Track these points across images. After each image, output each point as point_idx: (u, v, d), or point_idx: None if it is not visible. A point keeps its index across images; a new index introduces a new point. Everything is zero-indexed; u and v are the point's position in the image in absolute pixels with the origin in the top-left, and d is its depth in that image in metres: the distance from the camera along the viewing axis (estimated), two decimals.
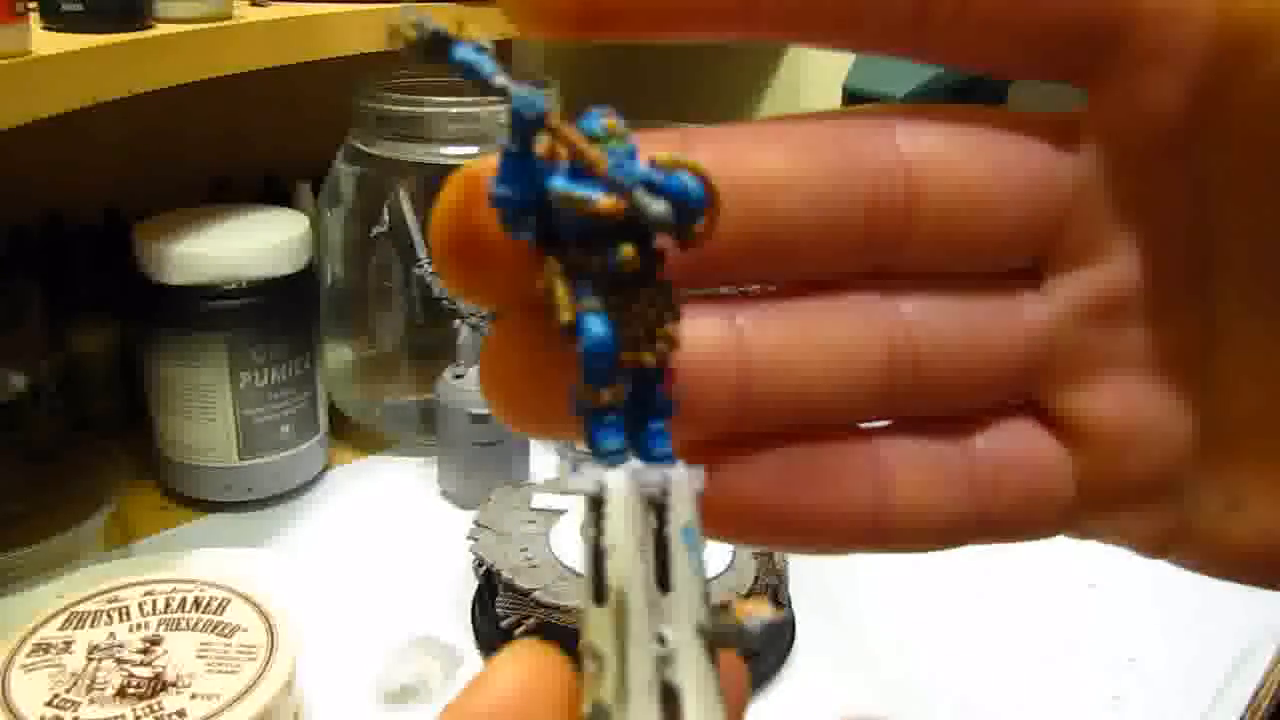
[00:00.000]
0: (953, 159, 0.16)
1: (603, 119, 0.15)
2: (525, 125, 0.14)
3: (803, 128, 0.16)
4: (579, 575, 0.54)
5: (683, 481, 0.15)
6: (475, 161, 0.15)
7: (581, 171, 0.14)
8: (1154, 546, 0.18)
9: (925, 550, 0.18)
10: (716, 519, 0.16)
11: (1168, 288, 0.17)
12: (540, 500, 0.61)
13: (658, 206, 0.14)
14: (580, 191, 0.14)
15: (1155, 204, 0.16)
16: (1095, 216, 0.17)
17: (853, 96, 0.86)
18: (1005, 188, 0.16)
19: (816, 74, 0.99)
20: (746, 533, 0.17)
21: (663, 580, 0.15)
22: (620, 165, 0.14)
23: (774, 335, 0.16)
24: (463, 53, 0.15)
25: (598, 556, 0.15)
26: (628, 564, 0.15)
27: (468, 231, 0.15)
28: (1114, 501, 0.18)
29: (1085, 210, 0.17)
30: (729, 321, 0.16)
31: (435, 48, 0.15)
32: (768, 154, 0.16)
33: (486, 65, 0.15)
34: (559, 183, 0.14)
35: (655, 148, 0.15)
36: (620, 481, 0.15)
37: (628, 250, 0.15)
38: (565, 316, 0.15)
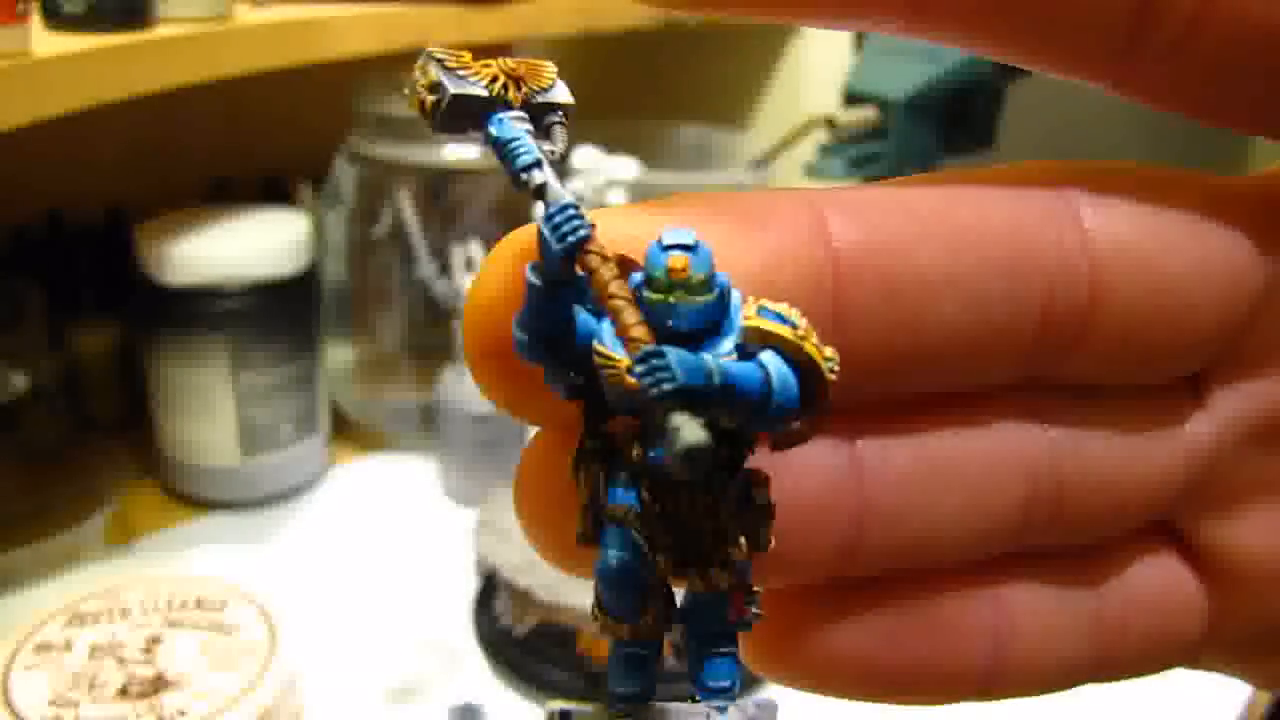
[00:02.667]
0: (1146, 249, 0.13)
1: (668, 254, 0.11)
2: (556, 253, 0.11)
3: (966, 204, 0.13)
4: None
5: None
6: (520, 235, 0.12)
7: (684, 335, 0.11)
8: (1278, 684, 0.16)
9: (1030, 696, 0.15)
10: (808, 676, 0.14)
11: None
12: None
13: (690, 438, 0.10)
14: (620, 354, 0.11)
15: None
16: None
17: (853, 96, 0.86)
18: (1203, 289, 0.13)
19: (817, 74, 0.99)
20: (840, 690, 0.14)
21: None
22: (656, 357, 0.10)
23: (898, 469, 0.13)
24: (498, 128, 0.11)
25: None
26: None
27: (503, 336, 0.11)
28: (1248, 644, 0.15)
29: (1274, 313, 0.14)
30: (846, 451, 0.13)
31: (458, 114, 0.11)
32: (927, 244, 0.12)
33: (523, 150, 0.11)
34: (603, 337, 0.11)
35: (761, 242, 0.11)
36: None
37: (637, 450, 0.11)
38: (579, 524, 0.12)
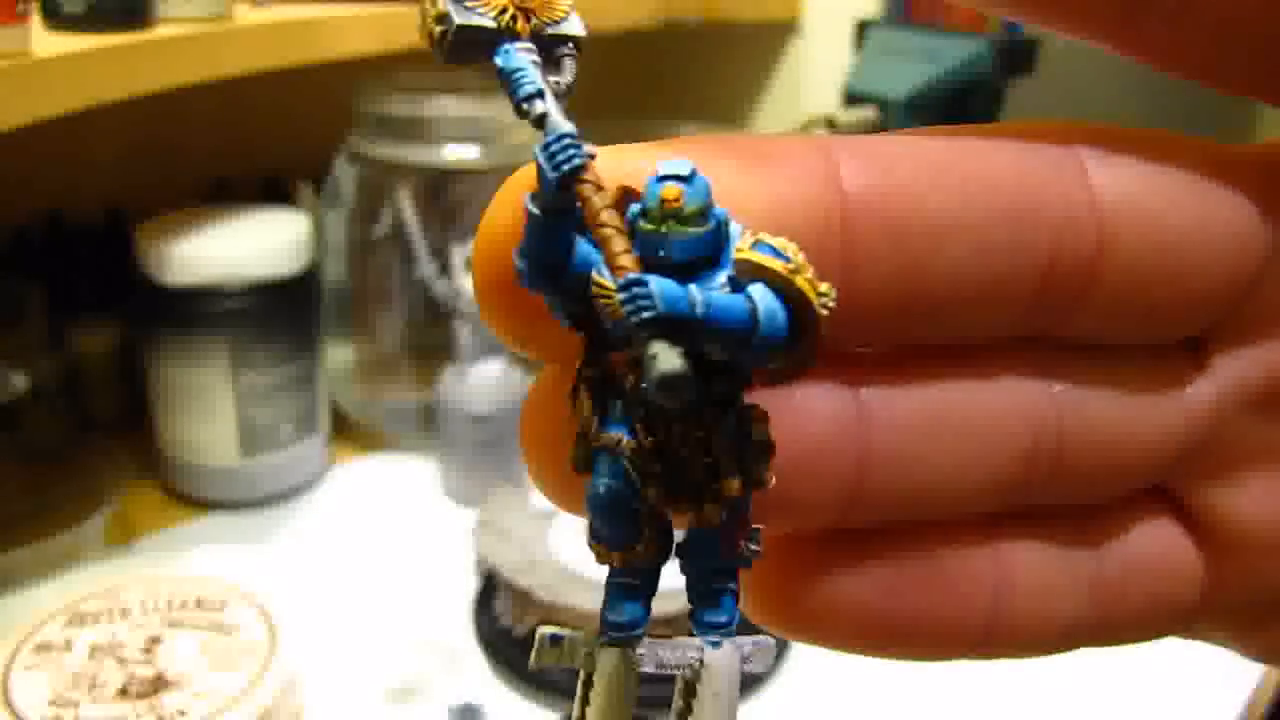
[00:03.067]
0: (1151, 206, 0.13)
1: (664, 185, 0.11)
2: (550, 181, 0.11)
3: (976, 154, 0.13)
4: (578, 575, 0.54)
5: (720, 668, 0.12)
6: (529, 169, 0.12)
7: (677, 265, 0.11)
8: (1271, 656, 0.16)
9: (1029, 658, 0.15)
10: (806, 625, 0.14)
11: None
12: (540, 500, 0.61)
13: (667, 366, 0.10)
14: (612, 284, 0.11)
15: None
16: None
17: (853, 96, 0.86)
18: (1207, 249, 0.13)
19: (817, 74, 0.99)
20: (838, 641, 0.14)
21: None
22: (638, 285, 0.10)
23: (903, 417, 0.13)
24: (504, 58, 0.11)
25: None
26: None
27: (509, 268, 0.12)
28: (1243, 612, 0.15)
29: (1276, 278, 0.14)
30: (851, 395, 0.13)
31: (465, 45, 0.11)
32: (935, 190, 0.13)
33: (526, 81, 0.11)
34: (601, 267, 0.11)
35: (782, 163, 0.11)
36: (613, 664, 0.12)
37: (632, 380, 0.11)
38: (573, 450, 0.12)
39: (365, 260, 0.74)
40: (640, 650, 0.12)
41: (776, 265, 0.11)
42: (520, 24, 0.11)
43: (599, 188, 0.11)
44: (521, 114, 0.11)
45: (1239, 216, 0.14)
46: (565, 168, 0.11)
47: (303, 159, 0.81)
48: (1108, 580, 0.15)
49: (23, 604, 0.55)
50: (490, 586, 0.58)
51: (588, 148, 0.11)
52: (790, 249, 0.11)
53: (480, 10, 0.11)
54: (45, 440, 0.68)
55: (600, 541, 0.12)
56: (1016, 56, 0.86)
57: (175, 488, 0.69)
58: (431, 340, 0.73)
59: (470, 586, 0.60)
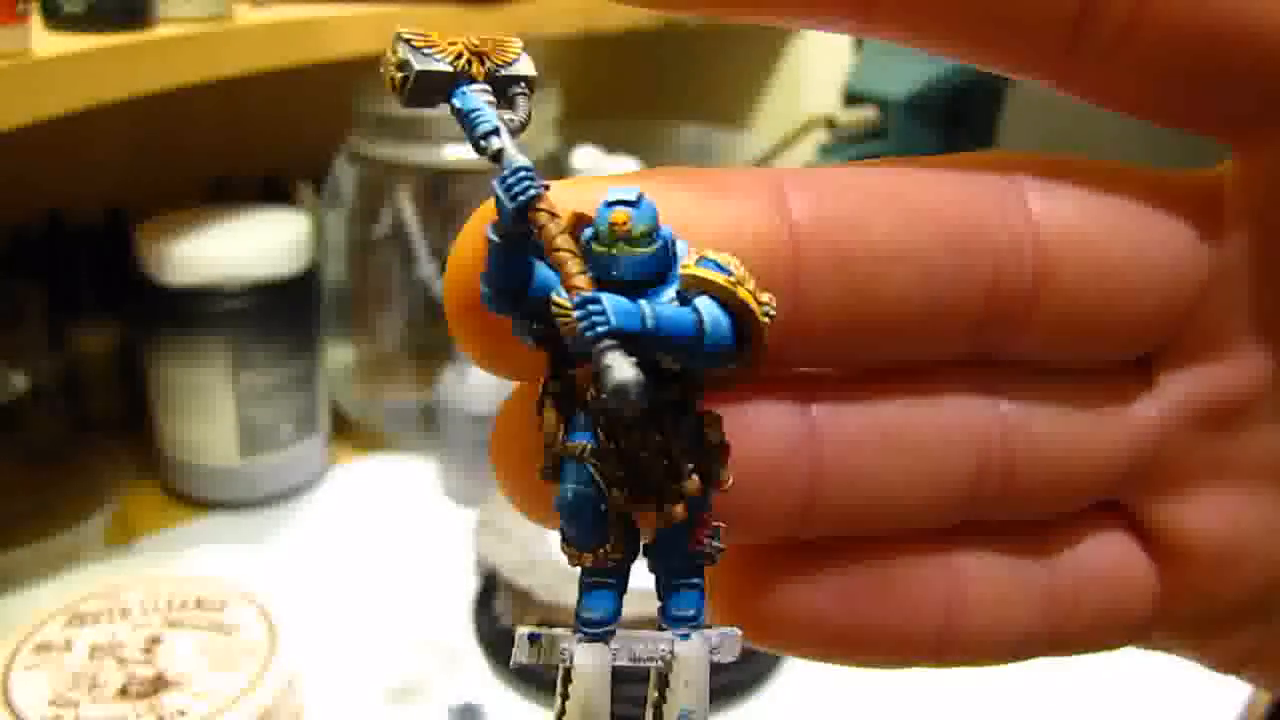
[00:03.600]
0: (1090, 234, 0.14)
1: (613, 210, 0.12)
2: (507, 211, 0.12)
3: (919, 184, 0.14)
4: None
5: (690, 658, 0.13)
6: (487, 206, 0.12)
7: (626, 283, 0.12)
8: (1229, 666, 0.16)
9: (984, 665, 0.16)
10: (766, 632, 0.14)
11: None
12: None
13: (621, 375, 0.11)
14: (569, 303, 0.11)
15: None
16: (1228, 308, 0.14)
17: (853, 96, 0.86)
18: (1145, 274, 0.14)
19: (817, 74, 0.99)
20: (797, 647, 0.15)
21: None
22: (592, 303, 0.11)
23: (852, 434, 0.14)
24: (460, 100, 0.12)
25: None
26: None
27: (476, 292, 0.12)
28: (1198, 623, 0.16)
29: (1218, 300, 0.14)
30: (802, 412, 0.14)
31: (425, 90, 0.12)
32: (880, 219, 0.13)
33: (482, 119, 0.12)
34: (544, 278, 0.12)
35: (724, 201, 0.12)
36: (589, 658, 0.13)
37: (594, 390, 0.12)
38: (541, 461, 0.13)
39: (365, 260, 0.74)
40: (614, 645, 0.13)
41: (719, 279, 0.12)
42: (475, 67, 0.13)
43: (553, 215, 0.12)
44: (479, 150, 0.12)
45: (1177, 243, 0.14)
46: (521, 198, 0.11)
47: (303, 159, 0.81)
48: (1060, 592, 0.15)
49: (23, 604, 0.55)
50: (490, 586, 0.58)
51: (541, 180, 0.12)
52: (733, 263, 0.12)
53: (438, 56, 0.12)
54: (45, 440, 0.68)
55: (571, 544, 0.13)
56: None
57: (175, 488, 0.69)
58: (431, 340, 0.73)
59: (470, 586, 0.60)
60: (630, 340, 0.11)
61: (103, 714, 0.42)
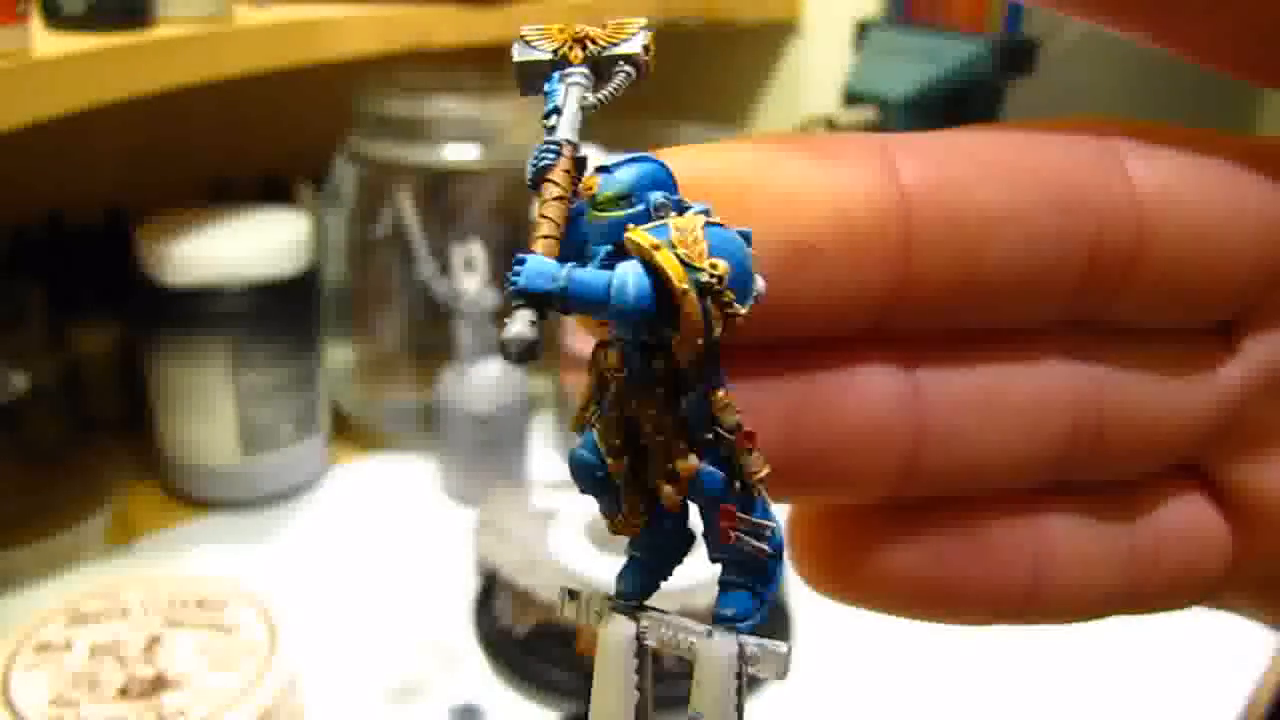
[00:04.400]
0: (1188, 198, 0.14)
1: (607, 175, 0.12)
2: (531, 182, 0.13)
3: (1022, 148, 0.14)
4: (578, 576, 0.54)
5: (711, 660, 0.13)
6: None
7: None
8: None
9: (1067, 623, 0.16)
10: (863, 592, 0.15)
11: None
12: (540, 500, 0.61)
13: (510, 330, 0.11)
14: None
15: None
16: None
17: (853, 96, 0.86)
18: (1242, 236, 0.14)
19: (817, 74, 0.99)
20: (892, 607, 0.15)
21: None
22: (516, 263, 0.12)
23: (955, 396, 0.14)
24: (548, 84, 0.13)
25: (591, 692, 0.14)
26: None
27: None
28: (1267, 583, 0.16)
29: None
30: (906, 375, 0.14)
31: (529, 77, 0.13)
32: (987, 182, 0.14)
33: (549, 102, 0.13)
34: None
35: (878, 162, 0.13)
36: (614, 627, 0.13)
37: (610, 357, 0.12)
38: (574, 416, 0.13)
39: (365, 260, 0.74)
40: (645, 623, 0.13)
41: (643, 241, 0.12)
42: (574, 52, 0.13)
43: (557, 184, 0.12)
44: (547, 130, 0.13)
45: (1271, 207, 0.14)
46: (534, 170, 0.12)
47: (303, 159, 0.81)
48: (1140, 552, 0.16)
49: (23, 604, 0.56)
50: (490, 586, 0.58)
51: (571, 151, 0.12)
52: (681, 231, 0.12)
53: (541, 46, 0.13)
54: (45, 440, 0.68)
55: (599, 509, 0.13)
56: (1016, 56, 0.86)
57: (175, 488, 0.69)
58: (431, 340, 0.73)
59: (470, 586, 0.60)
60: (540, 300, 0.12)
61: (103, 714, 0.42)
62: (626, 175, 0.12)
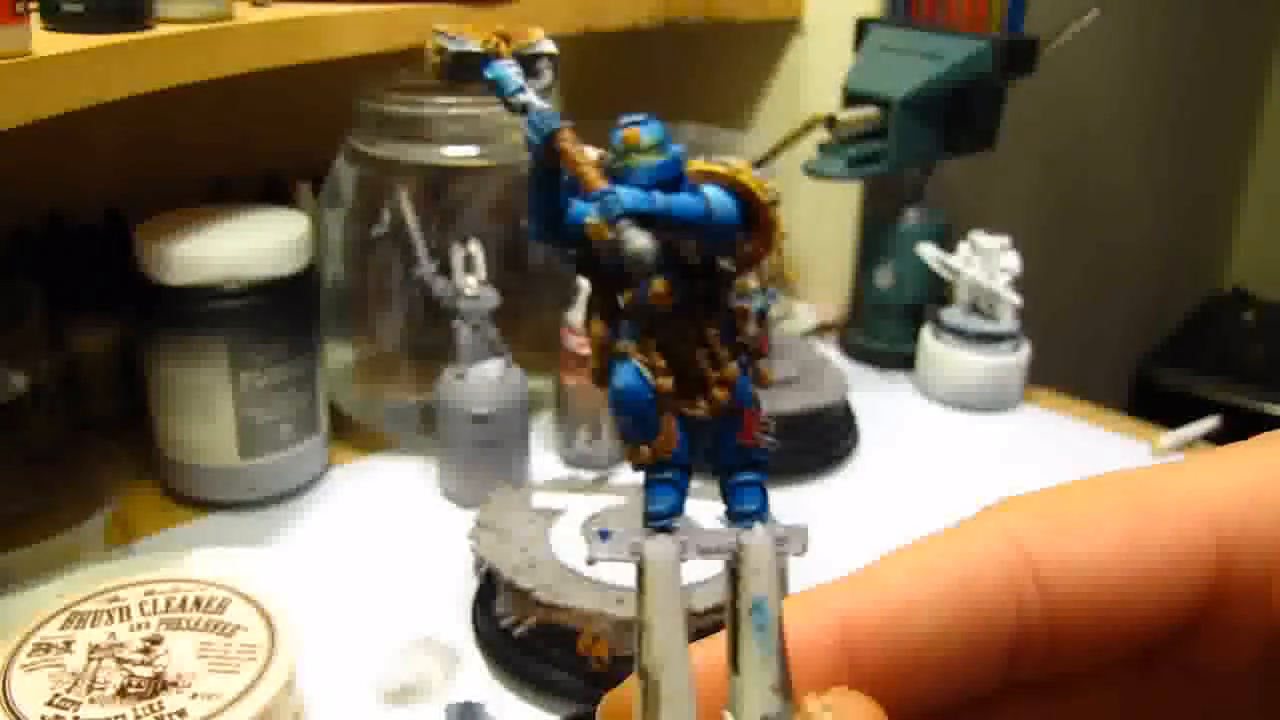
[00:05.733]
0: (1090, 581, 0.16)
1: (624, 129, 0.13)
2: (535, 146, 0.14)
3: (946, 583, 0.16)
4: (588, 580, 0.54)
5: (758, 547, 0.14)
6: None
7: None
8: None
9: None
10: None
11: None
12: (540, 500, 0.61)
13: (635, 243, 0.12)
14: (588, 217, 0.13)
15: None
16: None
17: (853, 96, 0.86)
18: (1145, 600, 0.17)
19: (817, 74, 0.99)
20: None
21: (733, 658, 0.14)
22: (609, 194, 0.13)
23: None
24: (491, 71, 0.15)
25: (639, 629, 0.14)
26: (662, 647, 0.14)
27: None
28: None
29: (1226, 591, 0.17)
30: None
31: (460, 68, 0.15)
32: (920, 615, 0.16)
33: (510, 82, 0.14)
34: (577, 207, 0.13)
35: None
36: (661, 551, 0.14)
37: (658, 285, 0.13)
38: (593, 363, 0.14)
39: (365, 260, 0.74)
40: (681, 538, 0.14)
41: (721, 168, 0.13)
42: (502, 47, 0.15)
43: (574, 141, 0.14)
44: (510, 108, 0.14)
45: (1166, 568, 0.16)
46: (545, 131, 0.13)
47: (303, 159, 0.81)
48: None
49: (23, 604, 0.55)
50: (490, 586, 0.58)
51: (564, 122, 0.14)
52: (734, 161, 0.14)
53: (469, 41, 0.15)
54: (45, 440, 0.68)
55: (629, 440, 0.14)
56: (1016, 56, 0.86)
57: (175, 488, 0.69)
58: (431, 340, 0.73)
59: (470, 586, 0.60)
60: (645, 220, 0.13)
61: (102, 714, 0.42)
62: (658, 126, 0.14)
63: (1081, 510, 0.17)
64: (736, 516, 0.14)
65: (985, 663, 0.17)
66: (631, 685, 0.14)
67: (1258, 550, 0.16)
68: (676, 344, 0.14)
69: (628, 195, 0.13)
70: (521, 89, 0.14)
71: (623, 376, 0.14)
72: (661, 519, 0.14)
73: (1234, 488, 0.16)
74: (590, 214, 0.13)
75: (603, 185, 0.13)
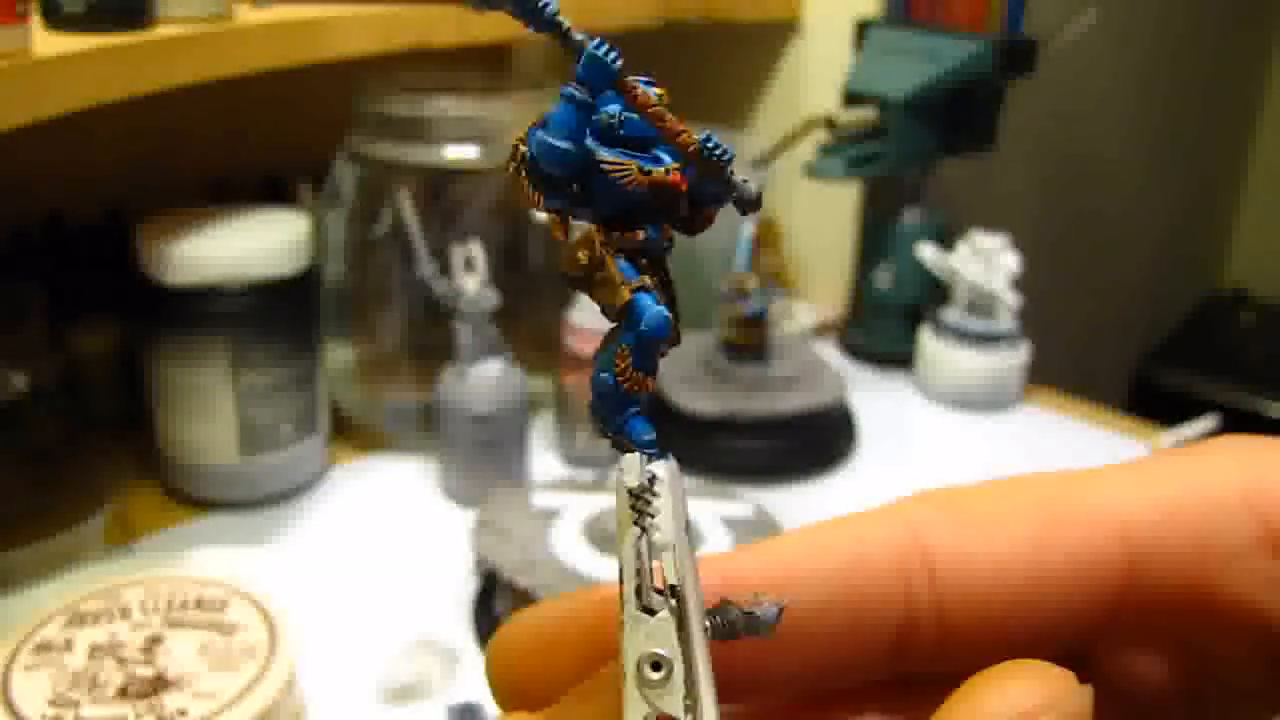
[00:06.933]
0: (986, 579, 0.17)
1: (657, 88, 0.14)
2: (600, 79, 0.14)
3: (841, 566, 0.17)
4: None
5: (673, 469, 0.15)
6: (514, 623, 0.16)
7: (633, 142, 0.14)
8: None
9: None
10: None
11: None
12: (540, 500, 0.61)
13: (754, 185, 0.14)
14: (647, 164, 0.14)
15: None
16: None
17: (853, 96, 0.86)
18: (1044, 607, 0.17)
19: (817, 74, 0.99)
20: None
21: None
22: (707, 142, 0.14)
23: None
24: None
25: (642, 555, 0.14)
26: (683, 564, 0.14)
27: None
28: None
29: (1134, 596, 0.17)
30: None
31: None
32: (815, 586, 0.17)
33: (546, 6, 0.14)
34: (607, 152, 0.14)
35: None
36: (665, 469, 0.15)
37: (669, 230, 0.14)
38: (623, 295, 0.14)
39: (365, 260, 0.74)
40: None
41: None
42: None
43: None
44: (552, 26, 0.14)
45: (1068, 574, 0.16)
46: (615, 65, 0.14)
47: (303, 159, 0.81)
48: None
49: (23, 604, 0.55)
50: (490, 586, 0.58)
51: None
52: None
53: None
54: (45, 440, 0.68)
55: (646, 373, 0.15)
56: (1016, 56, 0.86)
57: (175, 488, 0.69)
58: (431, 340, 0.73)
59: (470, 586, 0.60)
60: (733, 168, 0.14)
61: (103, 714, 0.42)
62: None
63: (988, 509, 0.17)
64: (640, 446, 0.15)
65: (870, 645, 0.17)
66: (637, 624, 0.15)
67: (1171, 565, 0.16)
68: (665, 280, 0.15)
69: (725, 142, 0.14)
70: (558, 13, 0.14)
71: (655, 309, 0.14)
72: (655, 446, 0.15)
73: (1150, 500, 0.16)
74: (624, 162, 0.14)
75: (690, 132, 0.14)
